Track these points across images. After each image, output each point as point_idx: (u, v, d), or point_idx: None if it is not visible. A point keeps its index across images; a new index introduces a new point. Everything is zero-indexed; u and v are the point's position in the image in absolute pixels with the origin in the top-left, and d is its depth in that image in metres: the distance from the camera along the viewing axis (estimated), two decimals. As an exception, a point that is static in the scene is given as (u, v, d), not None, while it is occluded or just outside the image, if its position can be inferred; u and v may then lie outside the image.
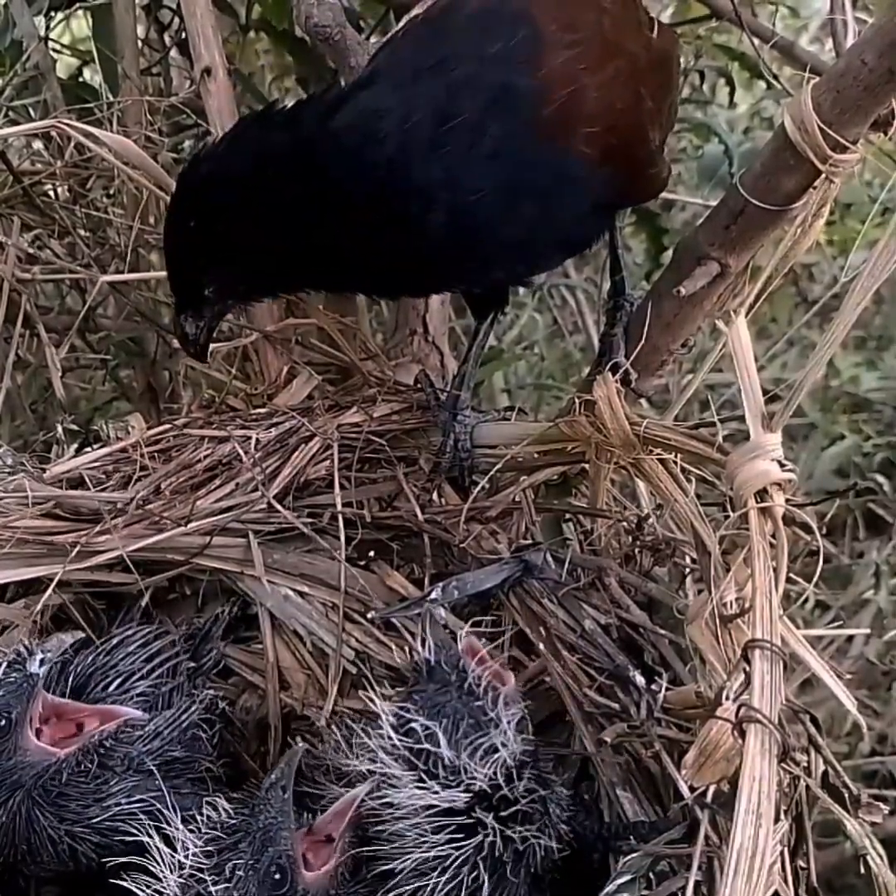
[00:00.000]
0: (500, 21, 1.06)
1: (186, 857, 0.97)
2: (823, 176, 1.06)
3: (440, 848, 0.96)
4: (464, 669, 1.04)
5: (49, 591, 1.17)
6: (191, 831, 0.99)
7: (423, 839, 0.96)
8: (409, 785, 0.98)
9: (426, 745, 0.98)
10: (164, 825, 1.00)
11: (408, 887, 0.97)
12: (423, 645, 1.07)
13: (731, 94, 2.10)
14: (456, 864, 0.96)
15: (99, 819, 1.05)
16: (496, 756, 0.98)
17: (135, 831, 1.02)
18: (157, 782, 1.07)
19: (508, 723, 1.00)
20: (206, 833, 1.00)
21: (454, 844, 0.96)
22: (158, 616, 1.29)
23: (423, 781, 0.97)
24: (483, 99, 1.03)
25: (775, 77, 1.43)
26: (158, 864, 0.97)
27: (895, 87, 1.00)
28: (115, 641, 1.19)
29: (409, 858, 0.97)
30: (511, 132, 1.04)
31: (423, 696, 1.03)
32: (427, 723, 0.99)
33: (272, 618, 1.26)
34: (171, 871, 0.96)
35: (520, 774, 0.98)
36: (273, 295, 1.24)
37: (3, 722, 1.03)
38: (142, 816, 1.04)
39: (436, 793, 0.97)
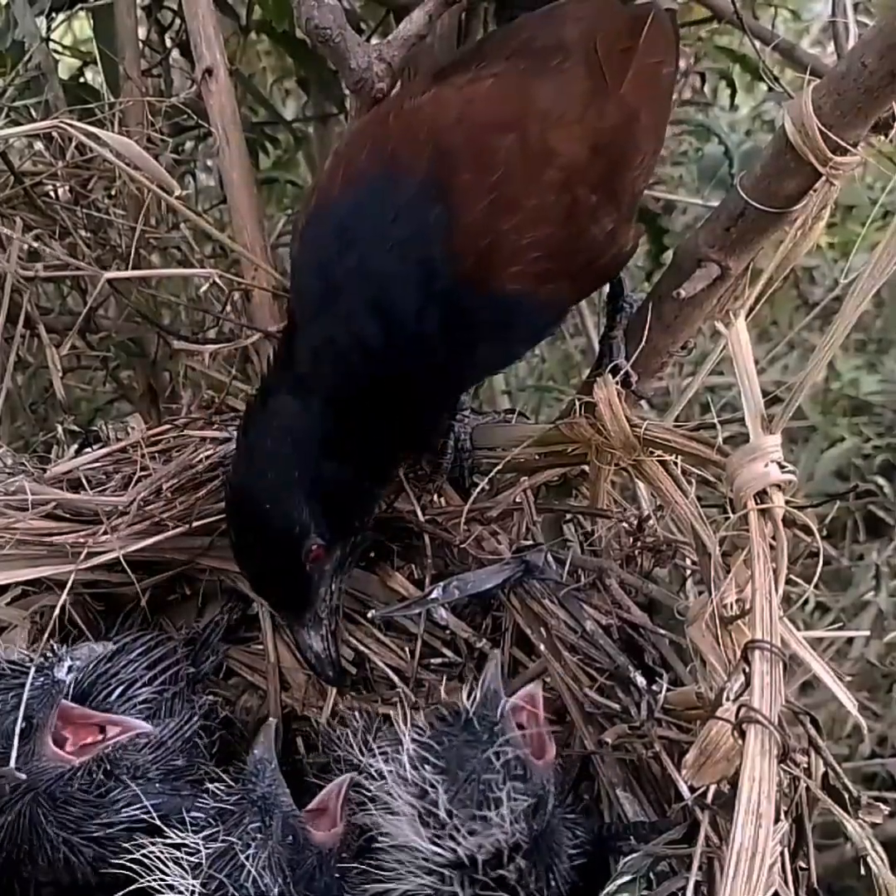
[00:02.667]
0: (413, 198, 1.06)
1: (196, 856, 0.96)
2: (824, 178, 1.06)
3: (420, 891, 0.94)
4: (498, 735, 1.00)
5: (64, 595, 1.17)
6: (193, 827, 0.99)
7: (407, 876, 0.95)
8: (404, 822, 0.96)
9: (429, 791, 0.96)
10: (169, 831, 0.99)
11: None
12: (468, 695, 1.03)
13: (732, 96, 2.10)
14: None
15: (97, 832, 1.05)
16: (487, 833, 0.94)
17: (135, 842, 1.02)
18: (158, 787, 1.08)
19: (512, 808, 0.95)
20: (206, 817, 1.00)
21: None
22: (159, 619, 1.29)
23: (415, 824, 0.95)
24: (413, 287, 1.05)
25: (776, 80, 1.42)
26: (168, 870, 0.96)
27: (896, 89, 1.00)
28: (115, 648, 1.19)
29: (391, 890, 0.95)
30: (443, 299, 1.05)
31: (451, 740, 1.00)
32: (436, 774, 0.96)
33: (273, 618, 1.26)
34: (185, 874, 0.95)
35: (511, 857, 0.94)
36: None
37: (24, 725, 1.03)
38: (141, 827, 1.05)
39: (422, 839, 0.94)
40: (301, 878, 0.97)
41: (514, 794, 0.95)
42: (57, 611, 1.18)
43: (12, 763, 1.01)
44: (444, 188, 1.06)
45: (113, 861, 1.02)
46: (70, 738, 1.07)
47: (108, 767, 1.07)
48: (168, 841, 0.98)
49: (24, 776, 1.01)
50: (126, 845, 1.02)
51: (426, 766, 0.97)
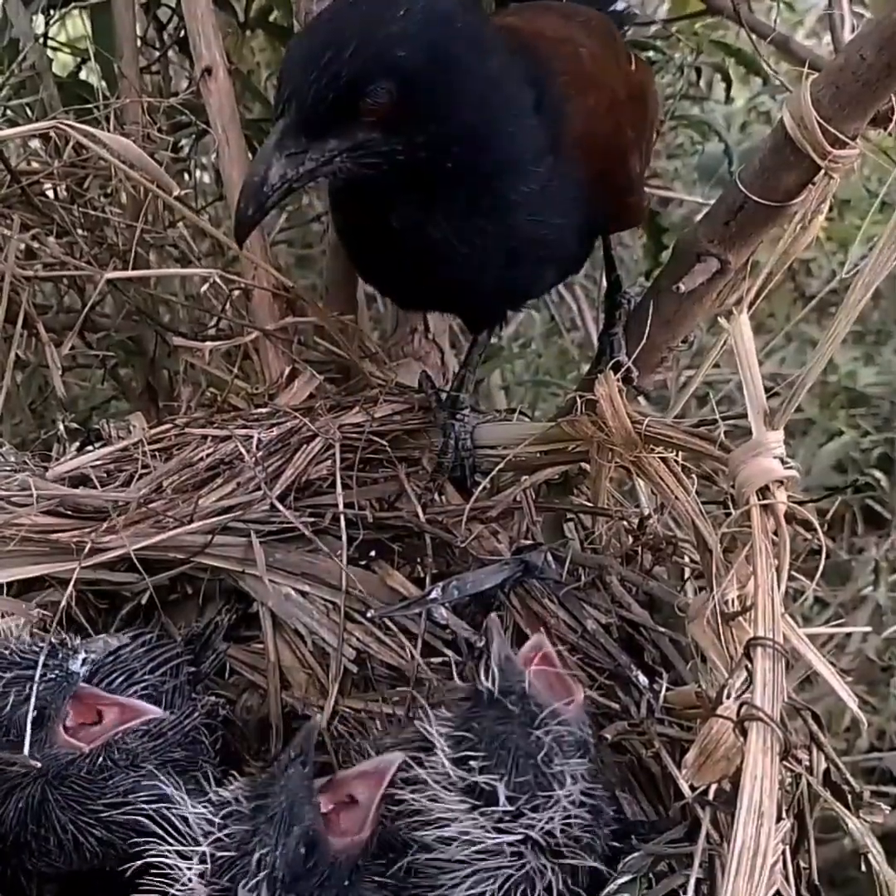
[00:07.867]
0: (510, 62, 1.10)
1: (206, 841, 0.95)
2: (822, 172, 1.06)
3: (490, 874, 0.93)
4: (527, 697, 0.98)
5: (68, 589, 1.17)
6: (206, 813, 0.97)
7: (473, 868, 0.93)
8: (464, 819, 0.94)
9: (481, 779, 0.94)
10: (181, 808, 0.98)
11: None
12: (486, 671, 1.00)
13: (728, 89, 2.09)
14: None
15: (104, 812, 1.05)
16: (555, 808, 0.94)
17: (142, 825, 1.02)
18: (159, 779, 1.07)
19: (573, 777, 0.95)
20: (222, 810, 0.98)
21: (504, 874, 0.93)
22: (160, 618, 1.29)
23: (476, 817, 0.94)
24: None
25: (775, 73, 1.42)
26: (175, 855, 0.94)
27: (894, 82, 1.00)
28: (125, 642, 1.18)
29: (460, 880, 0.94)
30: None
31: (481, 723, 0.98)
32: (483, 763, 0.95)
33: (273, 617, 1.25)
34: (191, 863, 0.94)
35: (577, 816, 0.95)
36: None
37: (36, 715, 1.03)
38: (146, 810, 1.03)
39: (488, 832, 0.93)
40: (306, 890, 0.95)
41: (573, 767, 0.96)
42: (63, 603, 1.17)
43: (27, 750, 1.01)
44: (543, 63, 1.12)
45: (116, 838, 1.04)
46: (71, 713, 1.08)
47: (106, 753, 1.07)
48: (172, 843, 0.96)
49: (38, 764, 1.02)
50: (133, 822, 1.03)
51: (471, 762, 0.95)
